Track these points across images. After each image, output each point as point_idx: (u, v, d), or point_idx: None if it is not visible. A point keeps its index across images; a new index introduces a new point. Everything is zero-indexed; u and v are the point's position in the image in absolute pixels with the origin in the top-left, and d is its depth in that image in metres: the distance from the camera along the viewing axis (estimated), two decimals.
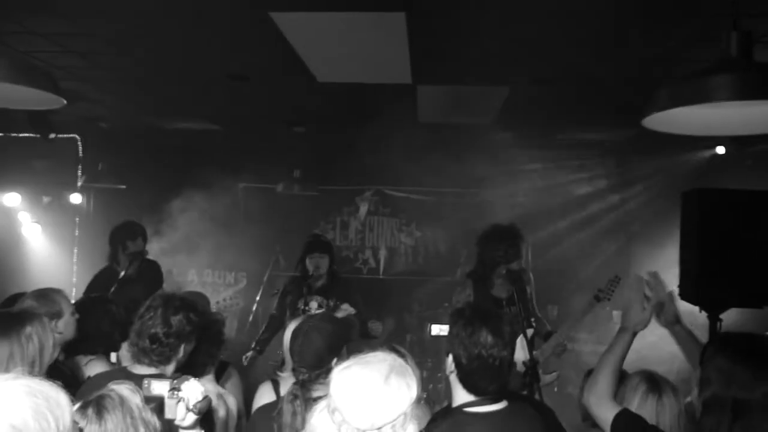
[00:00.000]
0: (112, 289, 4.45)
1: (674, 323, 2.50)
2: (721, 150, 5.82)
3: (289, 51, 4.01)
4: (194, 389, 1.94)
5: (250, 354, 4.63)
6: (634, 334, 2.25)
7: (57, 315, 2.79)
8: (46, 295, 2.88)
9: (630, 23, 3.36)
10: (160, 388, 1.95)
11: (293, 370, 2.49)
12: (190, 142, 6.85)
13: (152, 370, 2.31)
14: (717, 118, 2.35)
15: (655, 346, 3.22)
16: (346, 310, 4.21)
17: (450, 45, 3.88)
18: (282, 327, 4.56)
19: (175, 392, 1.92)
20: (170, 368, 2.38)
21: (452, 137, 6.22)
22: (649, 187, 6.15)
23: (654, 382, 2.33)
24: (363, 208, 7.87)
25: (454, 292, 4.16)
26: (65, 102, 2.44)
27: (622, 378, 2.28)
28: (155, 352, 2.35)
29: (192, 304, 2.46)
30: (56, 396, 1.08)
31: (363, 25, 3.58)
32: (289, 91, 5.16)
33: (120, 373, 2.29)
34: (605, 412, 2.07)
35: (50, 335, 2.25)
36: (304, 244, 4.73)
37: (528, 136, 6.12)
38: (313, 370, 2.30)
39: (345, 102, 5.41)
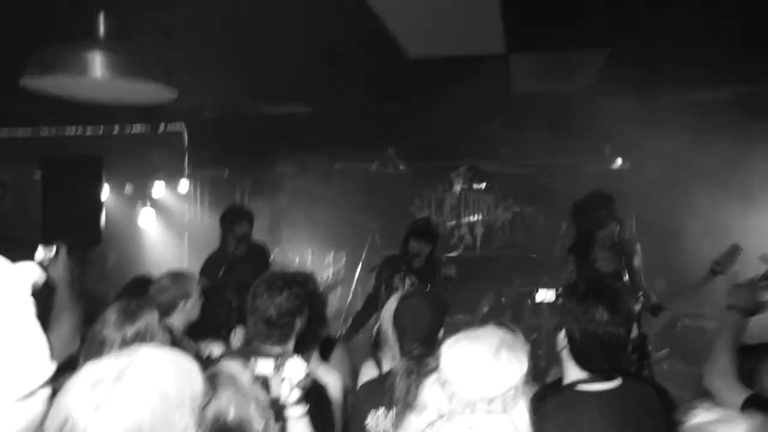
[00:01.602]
0: (222, 271, 4.70)
1: None
2: None
3: (380, 26, 4.00)
4: (298, 368, 2.01)
5: (345, 331, 4.79)
6: (750, 314, 2.10)
7: (186, 295, 2.99)
8: (179, 277, 3.09)
9: None
10: (265, 367, 2.03)
11: (401, 347, 2.52)
12: (285, 125, 7.04)
13: (276, 349, 2.41)
14: None
15: None
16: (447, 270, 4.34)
17: (543, 9, 3.73)
18: (378, 306, 4.67)
19: (280, 370, 1.99)
20: (291, 344, 2.47)
21: (547, 106, 6.00)
22: (766, 151, 5.66)
23: None
24: (458, 184, 7.81)
25: (555, 267, 4.05)
26: (177, 94, 2.56)
27: (749, 352, 2.13)
28: (274, 334, 2.43)
29: (293, 279, 2.52)
30: (191, 366, 1.16)
31: None
32: (381, 68, 5.17)
33: (247, 351, 2.40)
34: (732, 396, 1.95)
35: (159, 329, 2.36)
36: (412, 226, 4.81)
37: (630, 101, 5.79)
38: (425, 343, 2.32)
39: (437, 77, 5.34)
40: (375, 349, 3.16)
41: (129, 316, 2.24)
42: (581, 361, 2.05)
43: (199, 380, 1.16)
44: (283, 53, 4.75)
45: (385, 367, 2.76)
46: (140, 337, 2.20)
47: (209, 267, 4.76)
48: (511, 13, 3.73)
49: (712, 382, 2.03)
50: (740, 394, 1.94)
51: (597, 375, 2.03)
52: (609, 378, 2.05)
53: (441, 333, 2.48)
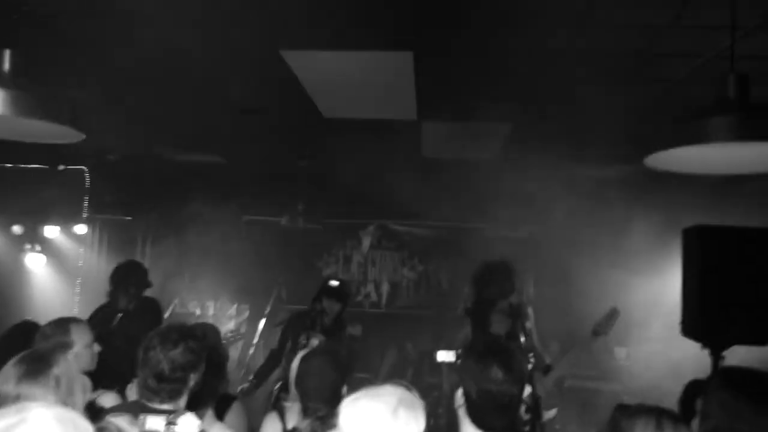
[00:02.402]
0: (113, 325, 4.45)
1: None
2: (719, 187, 5.89)
3: (298, 87, 4.11)
4: (190, 425, 1.95)
5: (246, 386, 4.65)
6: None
7: (66, 346, 2.78)
8: (62, 324, 2.87)
9: (632, 60, 3.45)
10: (155, 423, 1.95)
11: (304, 407, 2.50)
12: (195, 174, 6.94)
13: (167, 405, 2.30)
14: (716, 158, 2.41)
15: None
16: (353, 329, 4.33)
17: (455, 82, 3.98)
18: (279, 362, 4.60)
19: (171, 427, 1.93)
20: (183, 400, 2.37)
21: (456, 172, 6.30)
22: (650, 222, 6.18)
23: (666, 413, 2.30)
24: (366, 242, 7.91)
25: (453, 330, 4.16)
26: (84, 136, 2.50)
27: (625, 412, 2.27)
28: (165, 390, 2.33)
29: (189, 332, 2.42)
30: (83, 425, 1.12)
31: (371, 64, 3.68)
32: (296, 126, 5.26)
33: (135, 407, 2.28)
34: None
35: (77, 375, 2.20)
36: (326, 286, 4.81)
37: (531, 171, 6.19)
38: (329, 403, 2.31)
39: (350, 137, 5.50)
40: (278, 402, 3.10)
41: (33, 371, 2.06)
42: (476, 419, 2.10)
43: None
44: (199, 104, 4.75)
45: (289, 421, 2.70)
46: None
47: (96, 321, 4.45)
48: (425, 83, 3.95)
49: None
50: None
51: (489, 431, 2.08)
52: None
53: (344, 390, 2.48)
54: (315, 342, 4.39)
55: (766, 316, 3.35)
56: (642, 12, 2.81)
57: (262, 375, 4.73)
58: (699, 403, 1.97)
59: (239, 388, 4.61)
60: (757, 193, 5.73)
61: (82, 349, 2.85)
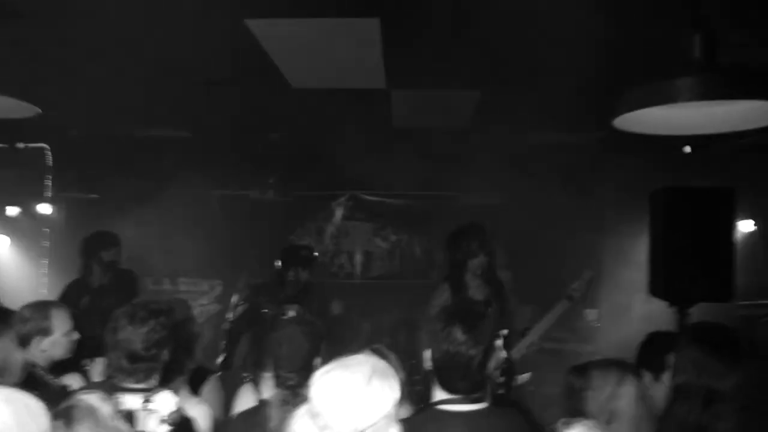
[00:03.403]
0: (85, 300, 4.38)
1: None
2: (687, 149, 5.97)
3: (264, 57, 4.03)
4: (166, 401, 1.94)
5: (220, 374, 4.61)
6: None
7: (43, 332, 2.72)
8: (42, 308, 2.79)
9: (600, 25, 3.43)
10: (131, 401, 1.94)
11: (276, 377, 2.49)
12: (163, 149, 6.78)
13: (143, 384, 2.28)
14: (683, 118, 2.43)
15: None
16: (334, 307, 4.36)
17: (423, 50, 3.93)
18: (240, 337, 4.56)
19: (148, 404, 1.92)
20: (157, 377, 2.35)
21: (426, 141, 6.28)
22: (619, 186, 6.27)
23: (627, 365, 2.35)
24: (338, 213, 7.88)
25: (432, 295, 4.19)
26: (39, 111, 2.40)
27: (585, 367, 2.32)
28: (140, 369, 2.29)
29: (157, 309, 2.40)
30: (32, 404, 1.11)
31: (337, 31, 3.62)
32: (264, 98, 5.17)
33: (106, 386, 2.25)
34: None
35: (13, 351, 2.15)
36: (286, 254, 4.76)
37: (501, 138, 6.21)
38: (301, 373, 2.31)
39: (319, 108, 5.43)
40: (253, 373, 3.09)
41: None
42: (441, 381, 2.11)
43: (42, 418, 1.10)
44: (162, 78, 4.62)
45: (265, 392, 2.71)
46: None
47: (69, 296, 4.39)
48: (393, 51, 3.90)
49: None
50: None
51: (461, 396, 2.08)
52: (474, 401, 2.09)
53: (317, 361, 2.48)
54: (291, 313, 4.38)
55: (729, 274, 3.46)
56: None
57: (228, 357, 4.67)
58: (671, 358, 2.02)
59: (216, 363, 4.58)
60: (720, 157, 5.85)
61: (60, 337, 2.80)
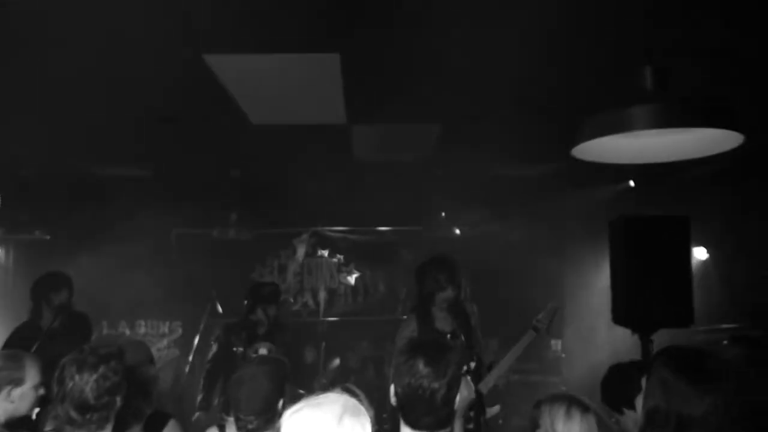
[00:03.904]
0: (35, 346, 4.17)
1: None
2: (631, 183, 6.21)
3: (223, 92, 4.00)
4: None
5: (198, 414, 4.51)
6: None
7: (16, 382, 2.59)
8: (16, 358, 2.66)
9: (557, 56, 3.53)
10: None
11: (237, 419, 2.40)
12: (119, 188, 6.62)
13: None
14: (637, 148, 2.49)
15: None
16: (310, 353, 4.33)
17: (383, 84, 3.97)
18: (219, 377, 4.48)
19: None
20: (110, 426, 2.23)
21: (388, 175, 6.30)
22: (579, 217, 6.40)
23: (576, 401, 2.36)
24: (301, 250, 7.81)
25: (400, 328, 4.14)
26: None
27: (537, 404, 2.32)
28: (92, 420, 2.17)
29: (109, 353, 2.29)
30: None
31: (297, 67, 3.62)
32: (223, 134, 5.12)
33: None
34: None
35: None
36: (253, 292, 4.72)
37: (462, 171, 6.28)
38: (262, 415, 2.23)
39: (280, 143, 5.40)
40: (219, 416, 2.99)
41: None
42: (404, 416, 2.04)
43: None
44: (118, 114, 4.54)
45: None
46: None
47: (16, 341, 4.16)
48: (353, 86, 3.92)
49: None
50: None
51: (422, 431, 2.00)
52: None
53: (280, 403, 2.39)
54: (264, 351, 4.29)
55: (688, 299, 3.52)
56: (559, 12, 2.88)
57: (207, 399, 4.57)
58: (643, 382, 2.01)
59: (192, 418, 4.48)
60: (675, 189, 6.05)
61: (28, 390, 2.66)
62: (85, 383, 2.16)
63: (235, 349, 4.52)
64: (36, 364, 2.71)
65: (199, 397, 4.61)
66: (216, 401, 4.49)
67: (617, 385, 2.77)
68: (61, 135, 5.09)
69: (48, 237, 6.78)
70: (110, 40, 3.20)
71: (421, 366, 1.99)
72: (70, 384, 2.16)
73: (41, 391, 2.68)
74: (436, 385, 1.98)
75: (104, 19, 2.96)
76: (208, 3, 2.81)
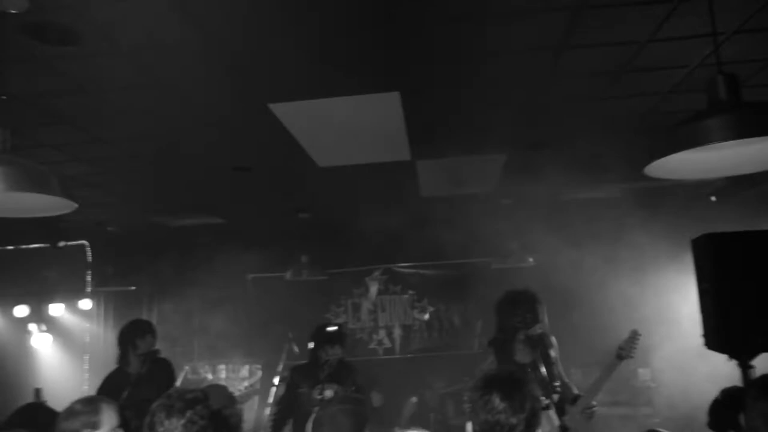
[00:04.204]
0: (125, 393, 4.35)
1: None
2: (713, 198, 5.90)
3: (289, 139, 4.12)
4: None
5: None
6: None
7: (92, 425, 2.70)
8: (92, 403, 2.78)
9: (622, 78, 3.46)
10: None
11: None
12: (195, 237, 6.92)
13: None
14: (714, 161, 2.37)
15: None
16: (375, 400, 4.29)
17: (444, 118, 3.99)
18: (287, 419, 4.46)
19: None
20: None
21: (456, 208, 6.27)
22: (659, 238, 6.12)
23: None
24: (373, 288, 7.82)
25: (479, 361, 4.05)
26: (77, 205, 2.47)
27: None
28: None
29: (195, 398, 2.36)
30: None
31: (359, 108, 3.69)
32: (291, 179, 5.26)
33: None
34: None
35: None
36: (321, 333, 4.72)
37: (529, 200, 6.17)
38: None
39: (347, 184, 5.49)
40: None
41: None
42: None
43: None
44: (193, 168, 4.77)
45: None
46: None
47: (107, 389, 4.35)
48: (415, 122, 3.96)
49: None
50: None
51: None
52: None
53: None
54: (329, 393, 4.28)
55: None
56: (622, 28, 2.83)
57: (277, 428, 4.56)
58: (742, 418, 1.87)
59: None
60: (752, 202, 5.72)
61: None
62: (174, 428, 2.22)
63: (300, 390, 4.50)
64: (112, 408, 2.78)
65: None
66: None
67: (725, 411, 2.58)
68: (142, 193, 5.39)
69: (133, 288, 7.11)
70: (183, 98, 3.38)
71: (497, 401, 1.94)
72: (161, 430, 2.23)
73: None
74: (514, 420, 1.94)
75: (177, 78, 3.13)
76: (271, 53, 2.93)
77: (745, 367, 3.23)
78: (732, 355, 3.32)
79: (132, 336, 4.59)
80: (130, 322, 4.79)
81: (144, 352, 4.53)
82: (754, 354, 3.23)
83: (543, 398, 3.53)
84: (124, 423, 2.92)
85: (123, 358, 4.58)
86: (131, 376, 4.44)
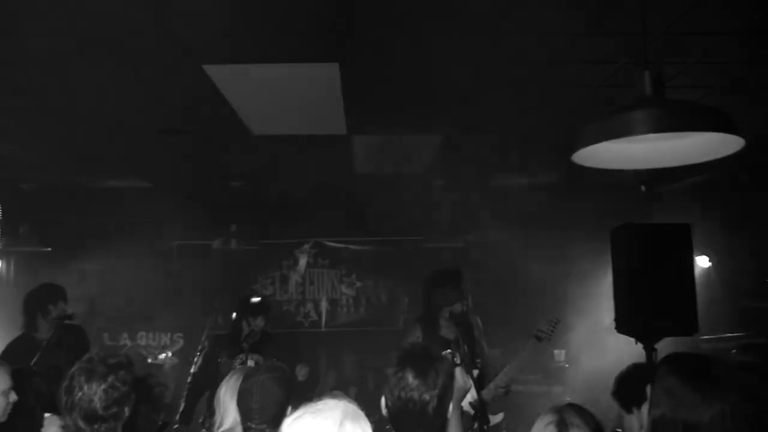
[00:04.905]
0: (35, 359, 4.14)
1: None
2: (643, 188, 6.16)
3: (224, 104, 4.01)
4: None
5: (177, 427, 4.38)
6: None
7: None
8: None
9: (555, 68, 3.54)
10: None
11: (247, 429, 2.36)
12: (120, 200, 6.64)
13: None
14: (638, 153, 2.48)
15: None
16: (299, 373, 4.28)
17: (382, 95, 3.98)
18: (205, 390, 4.38)
19: None
20: None
21: (389, 185, 6.30)
22: (582, 226, 6.37)
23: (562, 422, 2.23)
24: (302, 261, 7.79)
25: (404, 336, 4.14)
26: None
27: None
28: (98, 430, 2.15)
29: (117, 363, 2.27)
30: None
31: (298, 77, 3.63)
32: (224, 145, 5.13)
33: None
34: None
35: None
36: (240, 304, 4.68)
37: (463, 182, 6.28)
38: (274, 422, 2.19)
39: (281, 154, 5.41)
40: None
41: None
42: (395, 427, 2.00)
43: None
44: (117, 128, 4.56)
45: None
46: None
47: (11, 356, 4.10)
48: (353, 96, 3.93)
49: None
50: None
51: None
52: None
53: (289, 410, 2.37)
54: (251, 363, 4.26)
55: (692, 308, 3.49)
56: (556, 21, 2.90)
57: (187, 413, 4.46)
58: (648, 390, 1.97)
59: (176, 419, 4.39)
60: (676, 194, 6.04)
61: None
62: (94, 393, 2.15)
63: (220, 360, 4.44)
64: (4, 370, 2.66)
65: (180, 409, 4.46)
66: (202, 416, 4.37)
67: (633, 384, 2.72)
68: (61, 149, 5.11)
69: (49, 249, 6.77)
70: (109, 52, 3.21)
71: (410, 378, 1.95)
72: (79, 394, 2.15)
73: (12, 397, 2.63)
74: (426, 396, 1.94)
75: (102, 30, 2.97)
76: (207, 13, 2.82)
77: (650, 349, 3.45)
78: (638, 338, 3.54)
79: (44, 301, 4.35)
80: (40, 285, 4.50)
81: (54, 316, 4.31)
82: (658, 338, 3.46)
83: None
84: (31, 388, 2.80)
85: (30, 323, 4.34)
86: (39, 342, 4.22)
